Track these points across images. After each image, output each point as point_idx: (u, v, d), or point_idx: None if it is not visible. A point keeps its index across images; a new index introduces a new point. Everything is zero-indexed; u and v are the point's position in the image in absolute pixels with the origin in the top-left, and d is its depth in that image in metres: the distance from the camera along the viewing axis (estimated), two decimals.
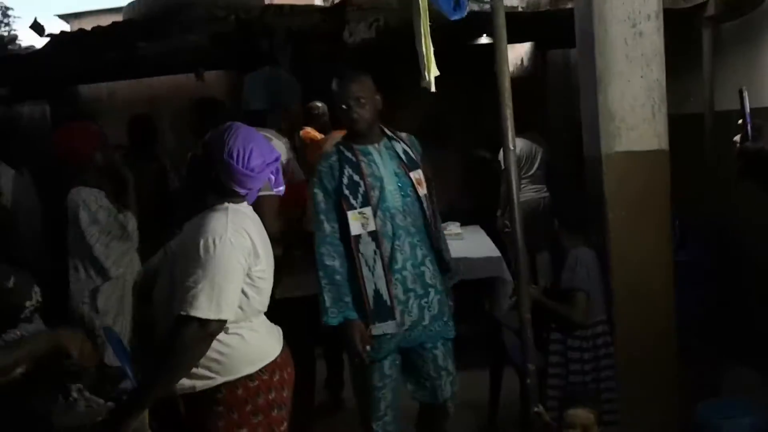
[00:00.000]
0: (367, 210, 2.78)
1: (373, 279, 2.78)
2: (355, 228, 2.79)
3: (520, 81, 7.38)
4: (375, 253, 2.78)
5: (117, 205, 3.48)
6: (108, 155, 3.53)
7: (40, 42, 5.00)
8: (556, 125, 7.29)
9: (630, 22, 3.10)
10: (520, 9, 4.18)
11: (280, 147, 3.22)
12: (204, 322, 2.01)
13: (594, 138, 3.21)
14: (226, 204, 2.18)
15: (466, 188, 6.86)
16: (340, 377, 4.33)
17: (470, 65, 6.71)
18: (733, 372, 4.17)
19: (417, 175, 2.88)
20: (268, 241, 2.29)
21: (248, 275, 2.14)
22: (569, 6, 3.44)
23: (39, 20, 5.07)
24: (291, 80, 3.37)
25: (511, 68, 7.28)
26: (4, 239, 4.35)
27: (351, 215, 2.78)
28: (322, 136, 4.81)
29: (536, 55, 7.15)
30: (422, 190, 2.88)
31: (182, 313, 2.00)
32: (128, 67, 5.31)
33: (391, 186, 2.83)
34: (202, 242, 2.04)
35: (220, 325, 2.06)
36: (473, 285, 4.92)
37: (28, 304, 2.26)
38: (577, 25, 3.32)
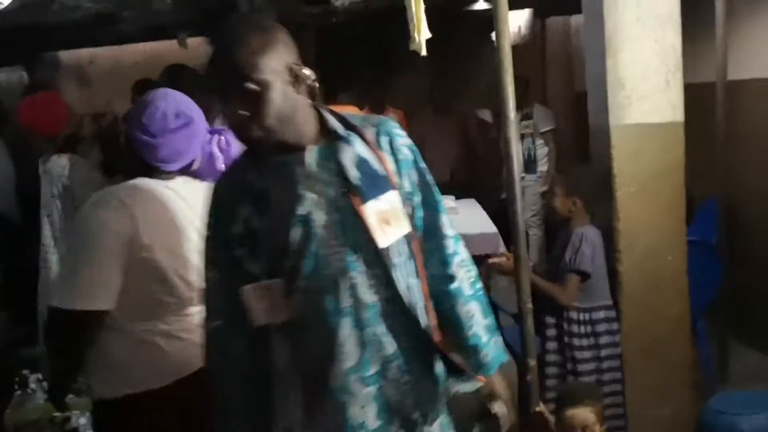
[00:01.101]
0: (276, 284, 1.50)
1: (288, 417, 1.54)
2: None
3: (518, 49, 7.14)
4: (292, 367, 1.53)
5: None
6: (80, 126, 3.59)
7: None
8: (554, 95, 7.07)
9: None
10: None
11: None
12: (68, 313, 1.76)
13: (601, 109, 2.95)
14: (134, 180, 1.91)
15: (463, 157, 6.56)
16: None
17: (469, 32, 6.51)
18: (744, 357, 3.99)
19: (381, 206, 1.52)
20: (190, 224, 1.90)
21: (136, 261, 1.81)
22: None
23: None
24: None
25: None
26: None
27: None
28: None
29: (535, 22, 6.85)
30: (385, 238, 1.51)
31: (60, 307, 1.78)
32: (101, 29, 5.01)
33: (325, 233, 1.50)
34: (74, 223, 1.87)
35: (94, 315, 1.77)
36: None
37: None
38: None
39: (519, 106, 5.77)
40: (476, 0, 5.90)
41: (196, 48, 6.68)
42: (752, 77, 4.09)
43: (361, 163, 1.52)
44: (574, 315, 2.96)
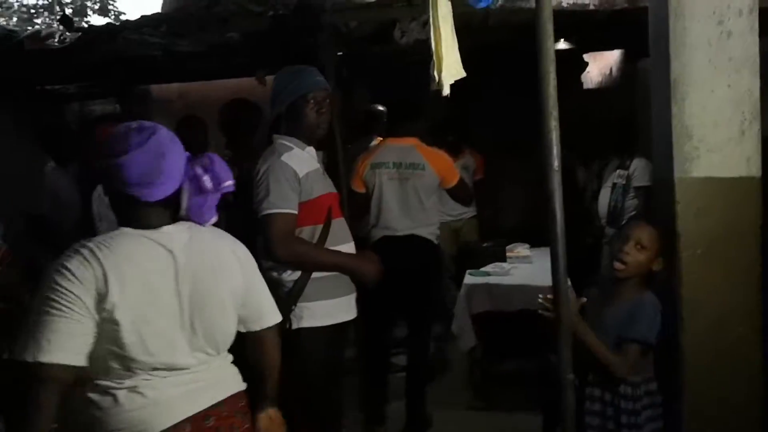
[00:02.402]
0: None
1: None
2: None
3: (608, 92, 6.81)
4: None
5: None
6: None
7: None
8: (646, 140, 6.66)
9: (716, 18, 2.52)
10: (592, 7, 3.64)
11: (298, 157, 2.82)
12: (33, 365, 1.65)
13: (666, 159, 2.65)
14: (116, 231, 1.82)
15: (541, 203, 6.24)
16: None
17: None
18: None
19: None
20: (170, 282, 1.81)
21: (103, 316, 1.70)
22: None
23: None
24: (285, 78, 2.93)
25: (599, 78, 6.72)
26: (43, 229, 4.76)
27: None
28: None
29: (626, 64, 6.51)
30: None
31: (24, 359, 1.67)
32: (168, 65, 5.10)
33: None
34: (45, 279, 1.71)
35: (61, 369, 1.66)
36: (538, 316, 4.42)
37: None
38: (651, 23, 2.76)
39: (617, 153, 5.52)
40: (557, 40, 5.65)
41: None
42: None
43: None
44: (628, 390, 2.60)
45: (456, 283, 5.27)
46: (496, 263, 4.85)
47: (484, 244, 5.20)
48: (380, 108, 5.18)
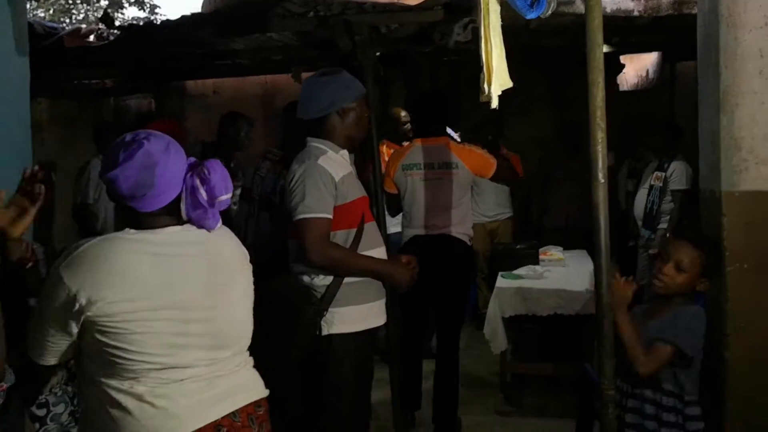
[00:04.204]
0: None
1: None
2: None
3: (645, 94, 6.72)
4: None
5: None
6: None
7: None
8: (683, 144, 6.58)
9: None
10: (636, 12, 3.59)
11: (333, 160, 2.81)
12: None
13: (713, 170, 2.61)
14: (110, 235, 1.80)
15: (582, 203, 6.12)
16: None
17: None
18: None
19: None
20: (166, 281, 1.77)
21: (99, 320, 1.68)
22: (695, 12, 2.84)
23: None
24: (339, 82, 2.90)
25: (634, 80, 6.62)
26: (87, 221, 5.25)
27: None
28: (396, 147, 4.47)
29: (664, 66, 6.42)
30: None
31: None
32: (206, 62, 5.14)
33: None
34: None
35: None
36: (571, 321, 4.40)
37: None
38: (700, 32, 2.72)
39: (657, 155, 5.44)
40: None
41: None
42: None
43: None
44: (669, 402, 2.52)
45: (489, 284, 5.25)
46: (529, 266, 4.81)
47: (518, 246, 5.16)
48: (402, 112, 5.22)
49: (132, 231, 1.78)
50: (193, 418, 1.76)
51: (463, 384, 4.65)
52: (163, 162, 1.76)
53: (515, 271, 4.71)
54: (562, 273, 4.75)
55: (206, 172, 1.79)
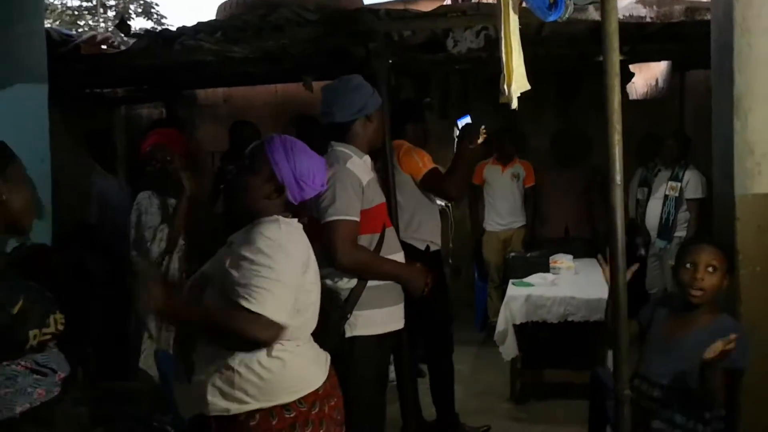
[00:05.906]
0: None
1: None
2: None
3: (655, 104, 6.72)
4: None
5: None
6: (174, 162, 3.59)
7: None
8: (693, 153, 6.58)
9: None
10: (648, 19, 3.62)
11: (359, 165, 2.85)
12: (267, 322, 1.96)
13: (726, 175, 2.63)
14: (276, 217, 2.11)
15: (584, 212, 6.11)
16: None
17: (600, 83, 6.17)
18: None
19: None
20: (315, 260, 2.20)
21: (300, 287, 2.07)
22: (708, 18, 2.87)
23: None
24: (367, 88, 2.95)
25: (643, 89, 6.62)
26: (89, 233, 4.90)
27: None
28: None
29: (673, 75, 6.43)
30: None
31: (252, 309, 1.95)
32: (219, 70, 5.18)
33: None
34: (263, 248, 1.99)
35: (279, 330, 1.99)
36: (582, 328, 4.42)
37: (32, 334, 1.88)
38: (713, 37, 2.75)
39: (670, 164, 5.44)
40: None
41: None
42: None
43: None
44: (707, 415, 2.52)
45: (500, 294, 5.25)
46: (540, 273, 4.83)
47: (528, 254, 5.18)
48: None
49: (279, 217, 2.14)
50: (322, 372, 2.19)
51: (473, 391, 4.67)
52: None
53: (526, 279, 4.74)
54: (573, 281, 4.77)
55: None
